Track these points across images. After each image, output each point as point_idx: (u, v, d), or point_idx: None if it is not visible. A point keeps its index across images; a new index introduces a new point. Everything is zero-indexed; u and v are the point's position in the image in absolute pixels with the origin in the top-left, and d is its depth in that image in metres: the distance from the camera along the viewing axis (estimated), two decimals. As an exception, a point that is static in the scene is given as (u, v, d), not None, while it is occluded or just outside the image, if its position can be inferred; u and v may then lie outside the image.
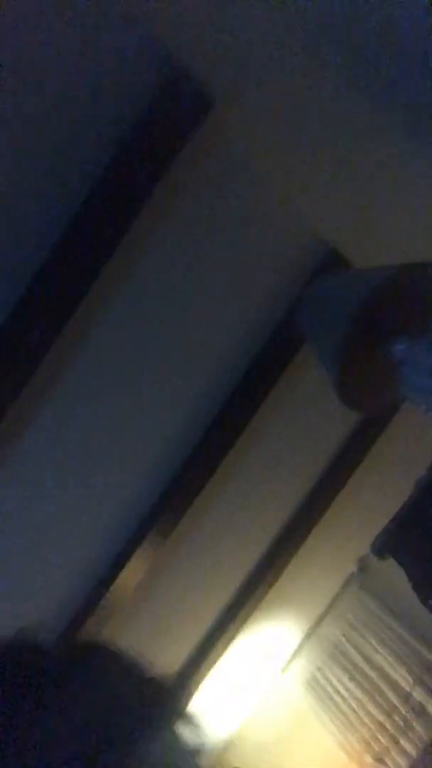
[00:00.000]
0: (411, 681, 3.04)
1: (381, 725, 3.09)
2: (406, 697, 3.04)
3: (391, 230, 1.76)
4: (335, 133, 1.36)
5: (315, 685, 3.47)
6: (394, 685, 3.12)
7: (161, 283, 1.76)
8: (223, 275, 1.87)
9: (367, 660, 3.25)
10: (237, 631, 2.87)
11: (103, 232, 1.49)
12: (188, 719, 0.49)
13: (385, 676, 3.17)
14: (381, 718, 3.10)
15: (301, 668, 3.48)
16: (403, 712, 3.03)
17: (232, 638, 2.89)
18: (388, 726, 3.07)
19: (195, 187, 1.66)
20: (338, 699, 3.37)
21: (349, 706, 3.32)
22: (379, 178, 1.49)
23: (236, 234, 1.80)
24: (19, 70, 1.29)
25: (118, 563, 2.23)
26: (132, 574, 2.25)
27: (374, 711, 3.14)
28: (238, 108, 1.52)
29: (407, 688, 3.04)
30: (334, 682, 3.39)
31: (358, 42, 0.99)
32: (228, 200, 1.73)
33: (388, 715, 3.08)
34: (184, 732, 0.48)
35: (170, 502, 2.20)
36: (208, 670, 2.93)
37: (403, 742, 3.01)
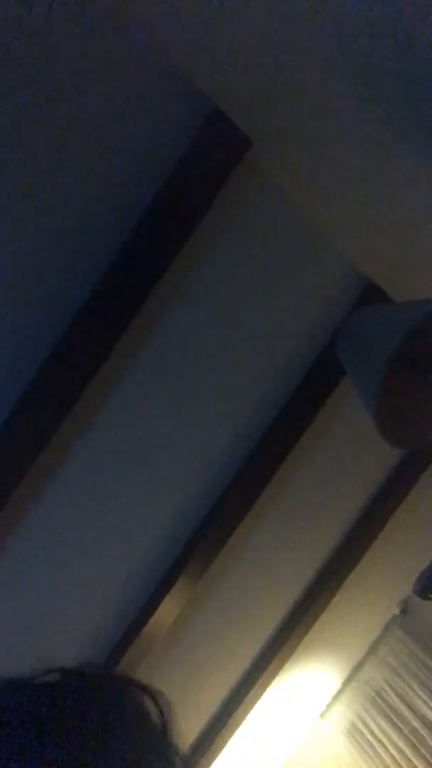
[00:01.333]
0: (457, 732, 2.89)
1: (425, 777, 2.94)
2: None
3: (429, 264, 1.74)
4: (375, 170, 1.37)
5: (355, 732, 3.33)
6: (439, 736, 2.97)
7: (202, 321, 1.77)
8: (262, 309, 1.88)
9: (410, 707, 3.11)
10: (274, 674, 2.79)
11: (144, 272, 1.52)
12: None
13: (429, 725, 3.02)
14: (424, 769, 2.95)
15: (341, 715, 3.34)
16: (449, 764, 2.87)
17: (268, 682, 2.80)
18: (432, 779, 2.92)
19: (233, 226, 1.68)
20: (379, 748, 3.22)
21: (391, 756, 3.17)
22: (420, 215, 1.48)
23: (275, 269, 1.81)
24: (68, 122, 1.34)
25: (150, 604, 2.20)
26: (164, 615, 2.22)
27: (416, 761, 2.98)
28: (276, 147, 1.54)
29: (453, 740, 2.89)
30: (376, 730, 3.25)
31: (413, 78, 1.00)
32: (267, 237, 1.74)
33: (431, 766, 2.92)
34: None
35: (205, 539, 2.17)
36: (245, 714, 2.84)
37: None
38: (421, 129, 1.17)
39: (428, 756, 2.95)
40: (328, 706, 3.36)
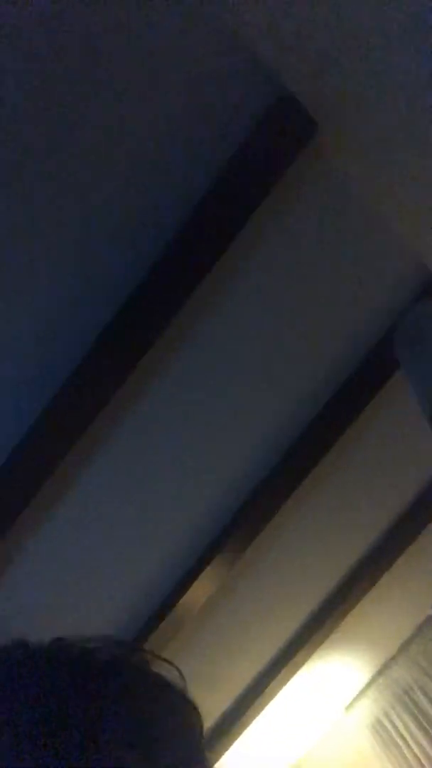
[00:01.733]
0: None
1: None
2: None
3: None
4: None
5: (380, 728, 3.31)
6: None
7: (261, 299, 1.73)
8: (321, 294, 1.83)
9: (438, 709, 3.07)
10: (301, 663, 2.78)
11: (208, 247, 1.49)
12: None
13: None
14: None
15: (367, 709, 3.33)
16: None
17: (295, 670, 2.80)
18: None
19: (297, 210, 1.63)
20: (403, 746, 3.20)
21: (414, 755, 3.14)
22: None
23: (338, 255, 1.75)
24: (134, 97, 1.31)
25: (183, 585, 2.21)
26: (196, 596, 2.22)
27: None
28: (343, 133, 1.48)
29: None
30: (401, 727, 3.22)
31: None
32: (331, 223, 1.68)
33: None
34: None
35: (240, 526, 2.16)
36: (270, 698, 2.85)
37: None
38: None
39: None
40: (354, 700, 3.35)
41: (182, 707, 0.48)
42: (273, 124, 1.45)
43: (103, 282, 1.50)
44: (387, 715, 3.24)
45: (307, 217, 1.66)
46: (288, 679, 2.84)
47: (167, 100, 1.35)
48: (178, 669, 0.51)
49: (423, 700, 3.09)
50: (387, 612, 2.92)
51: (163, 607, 2.24)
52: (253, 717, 2.88)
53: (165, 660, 0.51)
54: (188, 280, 1.50)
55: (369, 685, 3.28)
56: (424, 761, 3.04)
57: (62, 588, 1.93)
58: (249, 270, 1.66)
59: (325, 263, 1.74)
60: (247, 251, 1.61)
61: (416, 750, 3.11)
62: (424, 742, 3.09)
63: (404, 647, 3.18)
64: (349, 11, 1.10)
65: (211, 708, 2.75)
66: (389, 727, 3.22)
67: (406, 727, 3.16)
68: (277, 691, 2.86)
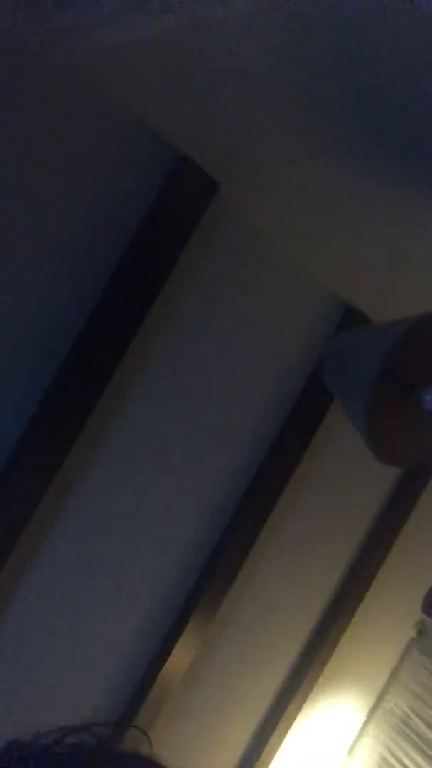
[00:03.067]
0: None
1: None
2: None
3: (407, 285, 1.78)
4: (344, 202, 1.40)
5: (386, 766, 3.22)
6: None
7: (184, 360, 1.79)
8: (243, 346, 1.90)
9: (439, 733, 3.02)
10: (295, 713, 2.71)
11: (125, 318, 1.54)
12: None
13: (460, 751, 2.94)
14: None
15: (369, 749, 3.24)
16: None
17: (291, 722, 2.72)
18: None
19: (208, 266, 1.71)
20: (413, 780, 3.12)
21: (426, 787, 3.07)
22: (389, 239, 1.52)
23: (254, 303, 1.84)
24: (28, 182, 1.38)
25: (160, 655, 2.15)
26: (176, 665, 2.16)
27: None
28: (244, 186, 1.59)
29: None
30: (406, 761, 3.15)
31: (376, 120, 1.03)
32: (242, 272, 1.78)
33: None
34: None
35: (208, 586, 2.14)
36: (270, 759, 2.74)
37: None
38: (374, 163, 1.21)
39: (462, 783, 2.87)
40: (355, 742, 3.26)
41: None
42: (174, 190, 1.55)
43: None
44: (390, 750, 3.16)
45: (221, 271, 1.75)
46: (284, 735, 2.75)
47: (65, 185, 1.41)
48: (145, 733, 0.51)
49: (421, 727, 3.04)
50: (370, 643, 2.91)
51: (144, 681, 2.16)
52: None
53: (134, 726, 0.51)
54: (109, 361, 1.55)
55: (367, 722, 3.20)
56: (435, 791, 2.97)
57: (33, 674, 1.85)
58: (170, 335, 1.72)
59: (244, 311, 1.83)
60: (164, 318, 1.68)
61: (426, 781, 3.04)
62: (433, 772, 3.03)
63: (393, 676, 3.15)
64: (239, 87, 1.20)
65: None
66: (394, 762, 3.14)
67: (411, 759, 3.09)
68: (276, 751, 2.76)
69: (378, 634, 2.90)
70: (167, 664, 2.15)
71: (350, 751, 3.26)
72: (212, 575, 2.14)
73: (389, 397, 1.24)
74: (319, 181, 1.34)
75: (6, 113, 1.28)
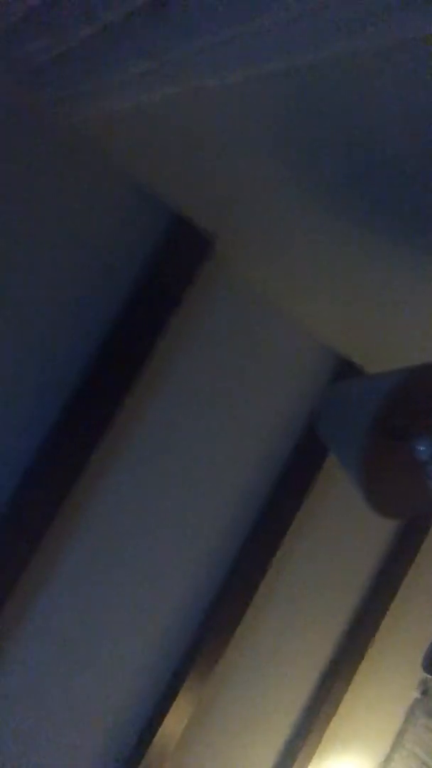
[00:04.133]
0: None
1: None
2: None
3: (400, 337, 1.81)
4: (339, 258, 1.44)
5: None
6: None
7: (180, 416, 1.80)
8: (238, 398, 1.92)
9: (448, 804, 2.88)
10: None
11: (122, 373, 1.56)
12: None
13: None
14: None
15: None
16: None
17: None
18: None
19: (202, 323, 1.75)
20: None
21: None
22: (383, 294, 1.55)
23: (248, 357, 1.86)
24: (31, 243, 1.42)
25: (156, 716, 2.07)
26: (172, 727, 2.08)
27: None
28: (239, 243, 1.63)
29: None
30: None
31: (371, 183, 1.07)
32: (236, 327, 1.81)
33: None
34: None
35: (206, 642, 2.08)
36: None
37: None
38: (375, 209, 1.25)
39: None
40: None
41: None
42: (169, 248, 1.59)
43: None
44: None
45: (215, 327, 1.78)
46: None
47: (61, 241, 1.46)
48: None
49: (429, 796, 2.90)
50: (373, 705, 2.80)
51: (139, 744, 2.07)
52: None
53: None
54: (108, 406, 1.56)
55: (372, 791, 3.05)
56: None
57: (21, 738, 1.77)
58: (166, 389, 1.74)
59: (237, 366, 1.85)
60: (157, 375, 1.70)
61: None
62: None
63: (398, 742, 3.02)
64: (234, 151, 1.26)
65: None
66: None
67: None
68: None
69: (381, 694, 2.80)
70: (163, 726, 2.06)
71: None
72: (209, 633, 2.08)
73: (383, 448, 1.24)
74: (315, 238, 1.38)
75: (9, 169, 1.33)
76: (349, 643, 2.54)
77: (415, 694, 2.96)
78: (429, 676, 2.83)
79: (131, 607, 1.91)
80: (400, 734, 3.01)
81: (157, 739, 2.06)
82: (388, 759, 3.02)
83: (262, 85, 0.90)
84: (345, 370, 2.04)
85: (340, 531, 2.33)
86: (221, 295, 1.78)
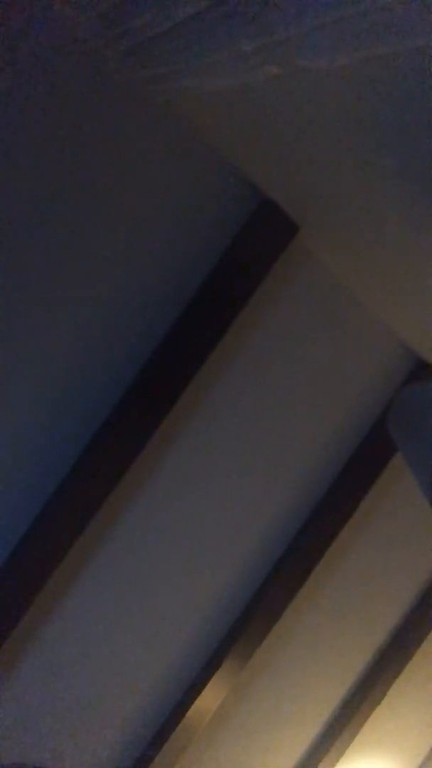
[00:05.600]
0: None
1: None
2: None
3: None
4: (427, 256, 1.38)
5: None
6: None
7: (250, 398, 1.78)
8: (309, 387, 1.88)
9: None
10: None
11: (190, 356, 1.55)
12: None
13: None
14: None
15: None
16: None
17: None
18: None
19: (281, 308, 1.71)
20: None
21: None
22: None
23: (325, 348, 1.82)
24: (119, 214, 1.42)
25: (189, 697, 2.10)
26: (203, 708, 2.11)
27: None
28: (324, 232, 1.59)
29: None
30: None
31: None
32: (314, 317, 1.77)
33: None
34: None
35: (250, 626, 2.08)
36: None
37: None
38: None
39: None
40: None
41: None
42: (253, 231, 1.56)
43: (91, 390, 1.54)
44: None
45: (294, 313, 1.74)
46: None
47: (148, 219, 1.45)
48: None
49: None
50: (410, 711, 2.75)
51: (169, 721, 2.11)
52: None
53: None
54: (179, 380, 1.56)
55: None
56: None
57: (57, 706, 1.84)
58: (237, 371, 1.72)
59: (314, 355, 1.81)
60: (233, 354, 1.68)
61: None
62: None
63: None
64: (324, 133, 1.21)
65: None
66: None
67: None
68: None
69: (421, 698, 2.74)
70: (194, 706, 2.09)
71: None
72: (253, 618, 2.08)
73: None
74: (406, 236, 1.32)
75: (102, 144, 1.33)
76: (394, 645, 2.50)
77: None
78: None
79: (183, 580, 1.92)
80: (436, 747, 2.95)
81: (190, 713, 2.09)
82: (423, 766, 2.97)
83: (375, 68, 0.85)
84: (421, 372, 1.97)
85: (398, 531, 2.28)
86: (301, 284, 1.74)
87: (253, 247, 1.58)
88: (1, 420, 1.45)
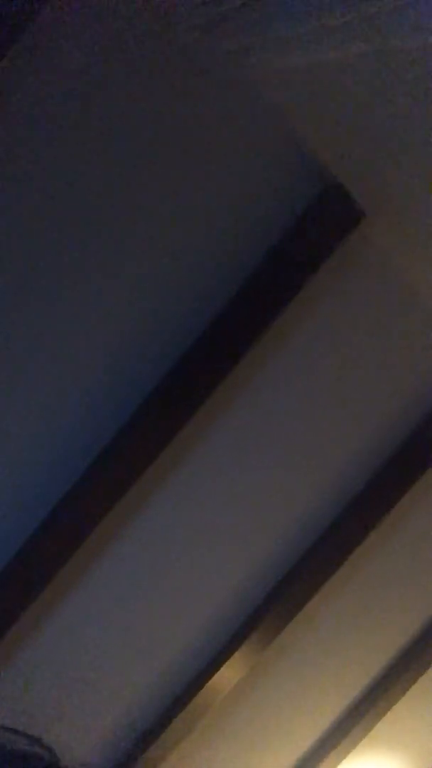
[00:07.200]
0: None
1: None
2: None
3: None
4: None
5: None
6: None
7: (295, 387, 1.76)
8: (359, 377, 1.84)
9: None
10: (334, 765, 2.59)
11: (240, 336, 1.54)
12: None
13: None
14: None
15: None
16: None
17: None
18: None
19: (337, 295, 1.67)
20: None
21: None
22: None
23: (379, 340, 1.77)
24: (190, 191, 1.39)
25: (207, 670, 2.12)
26: (229, 676, 2.13)
27: None
28: (391, 224, 1.53)
29: None
30: None
31: None
32: (371, 308, 1.72)
33: None
34: None
35: (275, 608, 2.08)
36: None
37: None
38: None
39: None
40: None
41: None
42: (317, 214, 1.51)
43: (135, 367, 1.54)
44: None
45: (350, 301, 1.70)
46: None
47: (213, 191, 1.42)
48: None
49: None
50: (426, 715, 2.73)
51: (186, 692, 2.14)
52: None
53: None
54: (228, 358, 1.54)
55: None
56: None
57: (76, 667, 1.89)
58: (285, 360, 1.70)
59: (367, 346, 1.77)
60: (285, 337, 1.65)
61: None
62: None
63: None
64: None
65: None
66: None
67: None
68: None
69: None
70: (216, 676, 2.11)
71: None
72: (280, 600, 2.08)
73: None
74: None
75: (171, 117, 1.30)
76: (419, 645, 2.47)
77: None
78: None
79: (216, 553, 1.94)
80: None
81: (208, 686, 2.12)
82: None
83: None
84: None
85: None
86: (360, 272, 1.69)
87: (314, 230, 1.53)
88: (35, 406, 1.46)
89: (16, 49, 1.01)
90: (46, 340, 1.40)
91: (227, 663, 2.10)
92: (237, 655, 2.10)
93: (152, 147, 1.30)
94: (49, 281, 1.35)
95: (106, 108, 1.22)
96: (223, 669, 2.11)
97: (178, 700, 2.14)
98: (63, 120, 1.18)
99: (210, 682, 2.12)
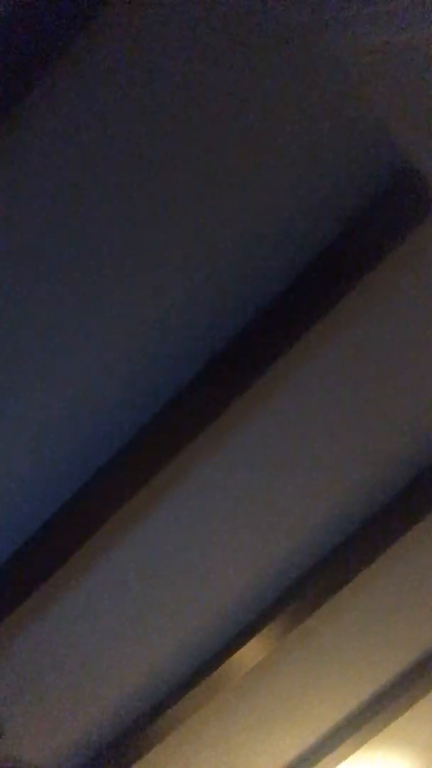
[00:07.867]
0: None
1: None
2: None
3: None
4: None
5: None
6: None
7: (340, 382, 1.73)
8: (407, 372, 1.79)
9: None
10: (346, 756, 2.59)
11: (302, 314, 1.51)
12: None
13: None
14: None
15: None
16: None
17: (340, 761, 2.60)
18: None
19: (400, 286, 1.62)
20: None
21: None
22: None
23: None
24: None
25: (237, 642, 2.14)
26: (250, 656, 2.14)
27: None
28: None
29: None
30: None
31: None
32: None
33: None
34: None
35: (303, 595, 2.08)
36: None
37: None
38: None
39: None
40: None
41: None
42: (389, 198, 1.46)
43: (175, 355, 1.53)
44: None
45: (412, 294, 1.65)
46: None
47: (285, 167, 1.38)
48: None
49: None
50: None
51: (205, 666, 2.17)
52: None
53: None
54: (265, 358, 1.54)
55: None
56: None
57: (90, 639, 1.92)
58: (333, 355, 1.68)
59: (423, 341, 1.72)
60: (333, 335, 1.62)
61: None
62: None
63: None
64: None
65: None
66: None
67: None
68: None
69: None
70: (236, 655, 2.14)
71: None
72: (309, 587, 2.08)
73: None
74: None
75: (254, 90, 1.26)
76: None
77: None
78: None
79: (246, 537, 1.95)
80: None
81: (227, 663, 2.14)
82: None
83: None
84: None
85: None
86: (426, 263, 1.63)
87: (383, 217, 1.48)
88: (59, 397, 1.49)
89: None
90: (68, 341, 1.43)
91: (251, 642, 2.12)
92: (261, 635, 2.11)
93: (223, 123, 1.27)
94: (87, 278, 1.36)
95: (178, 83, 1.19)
96: (245, 647, 2.13)
97: (192, 677, 2.18)
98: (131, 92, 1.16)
99: (233, 657, 2.14)
